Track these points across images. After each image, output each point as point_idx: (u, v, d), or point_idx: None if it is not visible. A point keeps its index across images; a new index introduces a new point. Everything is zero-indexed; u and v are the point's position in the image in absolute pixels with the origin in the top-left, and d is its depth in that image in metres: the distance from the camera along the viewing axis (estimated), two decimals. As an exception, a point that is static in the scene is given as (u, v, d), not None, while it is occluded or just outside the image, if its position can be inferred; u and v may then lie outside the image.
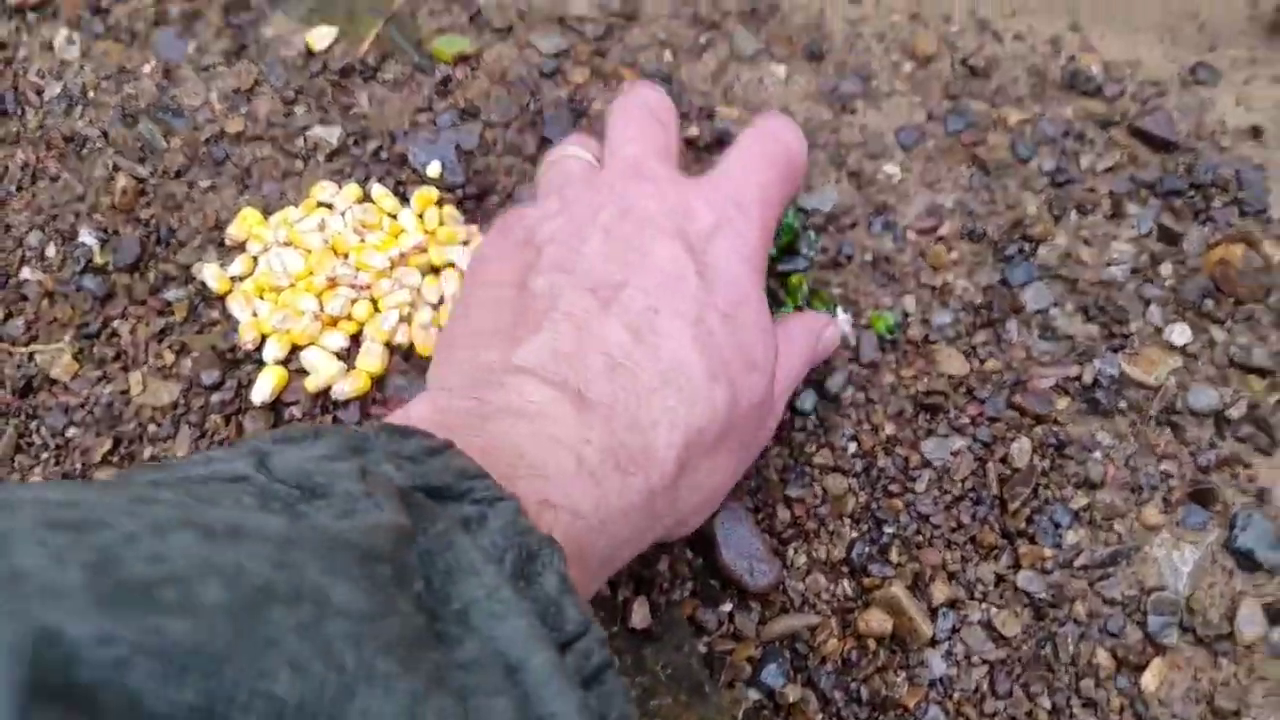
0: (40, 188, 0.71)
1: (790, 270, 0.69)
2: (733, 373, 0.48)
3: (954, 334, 0.69)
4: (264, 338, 0.64)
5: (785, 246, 0.70)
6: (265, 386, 0.61)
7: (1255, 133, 0.75)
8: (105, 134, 0.73)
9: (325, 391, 0.62)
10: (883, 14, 0.82)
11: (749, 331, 0.50)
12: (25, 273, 0.68)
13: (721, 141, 0.75)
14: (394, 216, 0.69)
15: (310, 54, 0.76)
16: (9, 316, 0.66)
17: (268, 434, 0.33)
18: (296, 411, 0.62)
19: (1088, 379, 0.66)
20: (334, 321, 0.64)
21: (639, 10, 0.81)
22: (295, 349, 0.63)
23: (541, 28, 0.79)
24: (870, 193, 0.74)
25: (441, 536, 0.30)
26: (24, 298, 0.67)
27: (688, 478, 0.46)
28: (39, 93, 0.75)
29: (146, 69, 0.76)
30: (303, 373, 0.63)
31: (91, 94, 0.75)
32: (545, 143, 0.74)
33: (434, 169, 0.71)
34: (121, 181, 0.69)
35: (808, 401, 0.64)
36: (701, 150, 0.75)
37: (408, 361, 0.65)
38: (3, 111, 0.75)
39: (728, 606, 0.59)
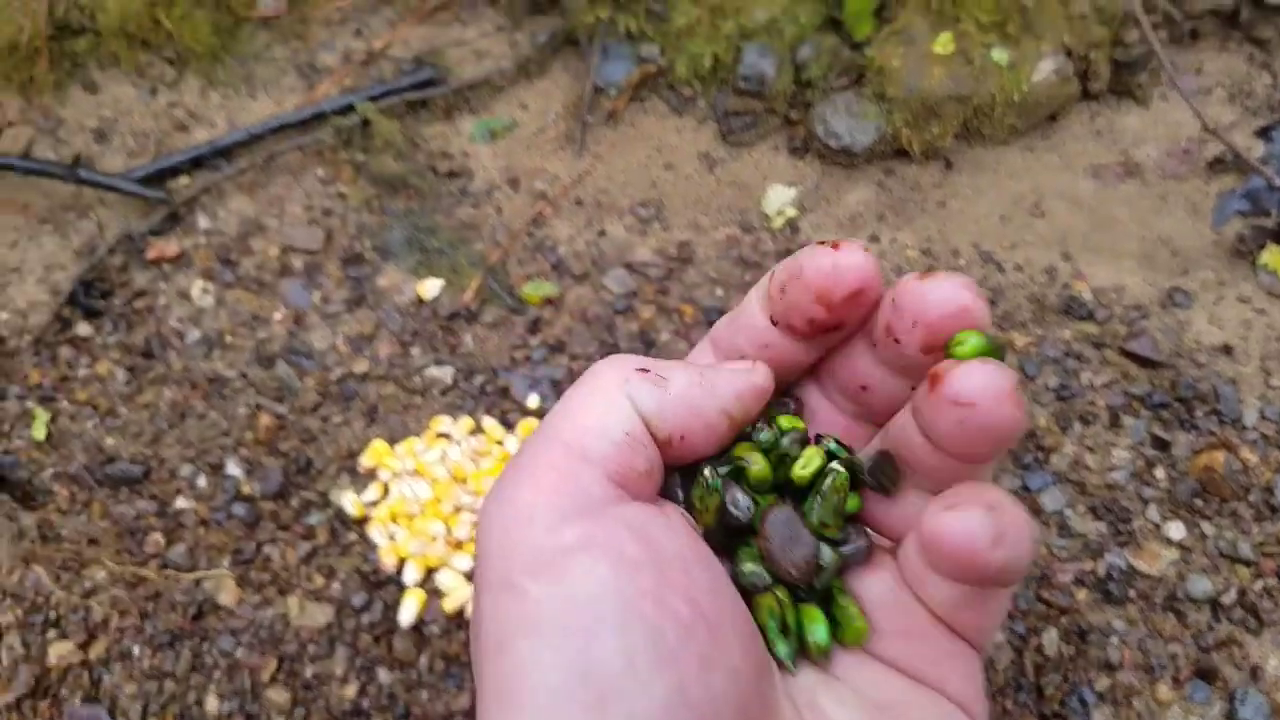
0: (189, 424, 0.85)
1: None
2: None
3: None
4: (402, 561, 0.76)
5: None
6: (410, 610, 0.74)
7: (1227, 350, 0.91)
8: (244, 374, 0.87)
9: (460, 611, 0.74)
10: (898, 250, 0.99)
11: None
12: (181, 502, 0.81)
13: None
14: (501, 444, 0.82)
15: (421, 302, 0.91)
16: (170, 543, 0.79)
17: None
18: (436, 629, 0.74)
19: (1101, 572, 0.79)
20: (459, 544, 0.77)
21: (693, 255, 0.97)
22: (430, 570, 0.76)
23: (612, 272, 0.95)
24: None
25: None
26: (182, 525, 0.80)
27: None
28: (180, 337, 0.90)
29: (277, 315, 0.91)
30: (439, 593, 0.75)
31: (228, 338, 0.90)
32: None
33: (533, 400, 0.85)
34: (263, 419, 0.83)
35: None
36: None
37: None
38: (149, 354, 0.89)
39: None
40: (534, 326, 0.91)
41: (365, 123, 1.00)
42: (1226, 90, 1.10)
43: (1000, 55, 1.04)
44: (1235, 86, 1.10)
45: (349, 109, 1.01)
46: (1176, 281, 0.96)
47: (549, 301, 0.93)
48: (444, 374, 0.87)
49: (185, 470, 0.83)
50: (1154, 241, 0.99)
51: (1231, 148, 0.98)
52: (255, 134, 0.99)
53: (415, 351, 0.89)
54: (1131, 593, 0.79)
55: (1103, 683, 0.75)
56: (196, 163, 0.99)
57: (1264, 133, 1.07)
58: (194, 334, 0.90)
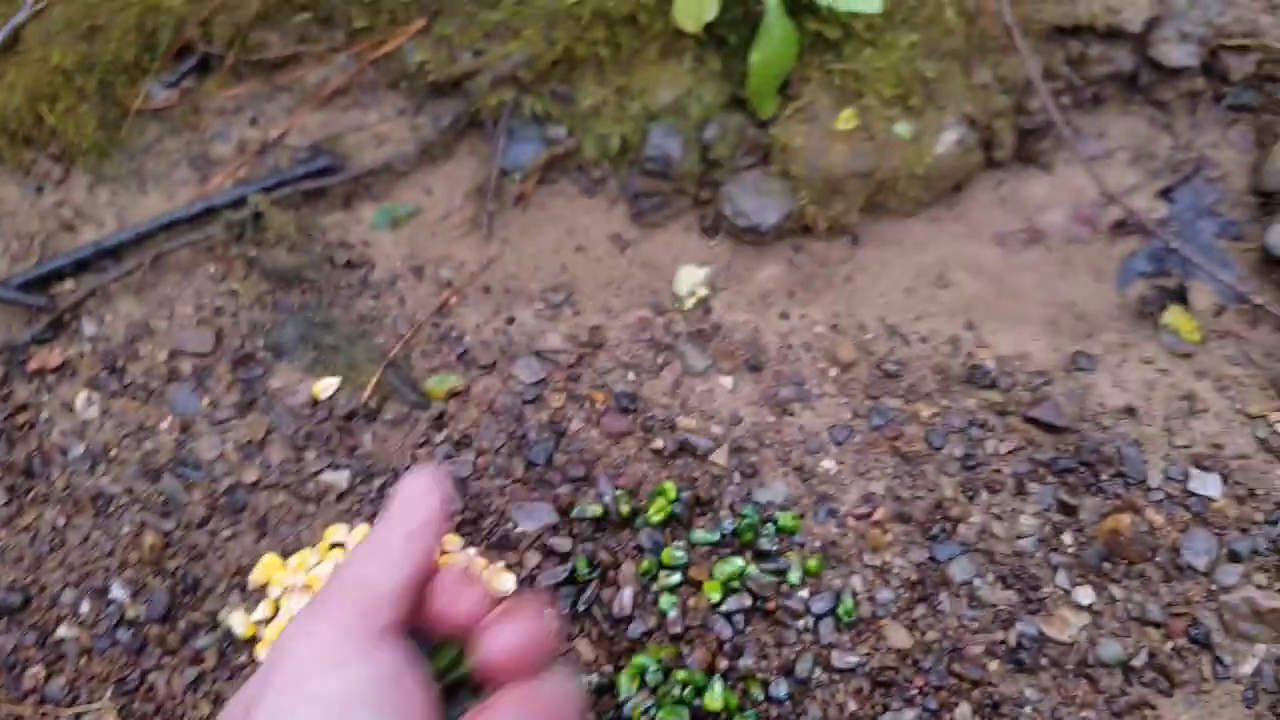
0: (71, 546, 0.90)
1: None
2: None
3: (896, 609, 0.90)
4: (301, 670, 0.81)
5: (746, 542, 0.92)
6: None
7: (1130, 411, 1.01)
8: (129, 490, 0.93)
9: None
10: (807, 326, 1.08)
11: None
12: (62, 630, 0.85)
13: (683, 449, 0.98)
14: (403, 545, 0.88)
15: (315, 402, 0.98)
16: (50, 676, 0.83)
17: None
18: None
19: (1012, 641, 0.87)
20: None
21: (604, 339, 1.05)
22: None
23: (521, 360, 1.03)
24: (813, 484, 0.97)
25: None
26: (63, 655, 0.84)
27: None
28: (64, 452, 0.95)
29: (164, 425, 0.97)
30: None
31: (113, 452, 0.95)
32: (531, 465, 0.96)
33: (435, 499, 0.92)
34: (149, 537, 0.89)
35: (781, 689, 0.84)
36: (668, 458, 0.98)
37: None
38: (30, 473, 0.94)
39: None
40: (438, 421, 0.98)
41: (259, 215, 1.07)
42: (1129, 153, 1.22)
43: (903, 129, 1.16)
44: (1138, 149, 1.23)
45: (242, 202, 1.08)
46: (1080, 345, 1.06)
47: (454, 394, 1.00)
48: (339, 478, 0.93)
49: (67, 596, 0.87)
50: (1058, 306, 1.10)
51: (1130, 211, 1.10)
52: (144, 232, 1.06)
53: (309, 455, 0.95)
54: (1043, 660, 0.87)
55: (1018, 754, 0.83)
56: (82, 265, 1.05)
57: (1166, 193, 1.20)
58: (78, 449, 0.96)
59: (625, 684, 0.84)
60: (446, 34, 1.23)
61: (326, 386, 0.99)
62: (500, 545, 0.92)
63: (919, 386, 1.03)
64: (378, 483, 0.94)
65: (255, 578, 0.86)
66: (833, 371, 1.05)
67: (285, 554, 0.89)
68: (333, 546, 0.89)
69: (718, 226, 1.16)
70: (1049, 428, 0.99)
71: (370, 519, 0.92)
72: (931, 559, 0.92)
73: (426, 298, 1.09)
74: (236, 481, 0.93)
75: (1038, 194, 1.19)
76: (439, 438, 0.97)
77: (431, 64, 1.22)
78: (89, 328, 1.03)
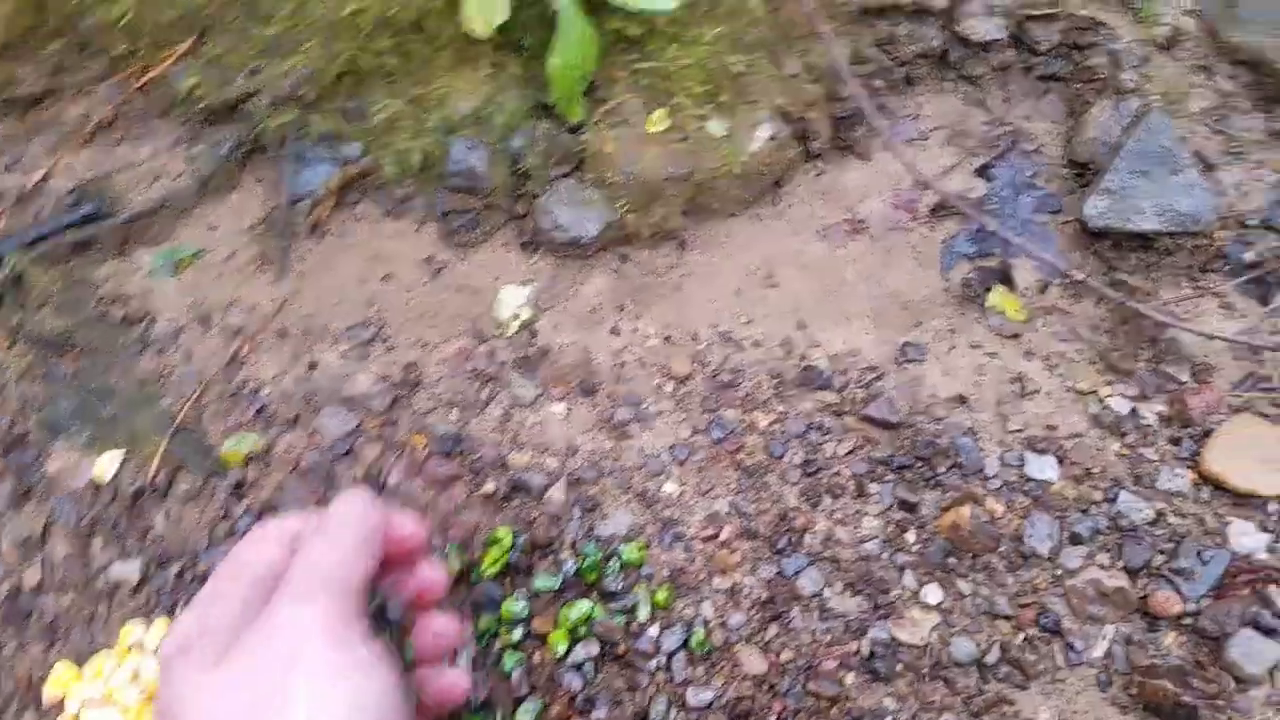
0: None
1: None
2: None
3: (749, 632, 0.88)
4: (103, 797, 0.74)
5: (591, 582, 0.88)
6: None
7: (961, 400, 1.01)
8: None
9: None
10: (640, 340, 1.05)
11: None
12: None
13: (517, 488, 0.93)
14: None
15: (98, 485, 0.89)
16: None
17: None
18: None
19: (865, 651, 0.87)
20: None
21: (421, 376, 1.00)
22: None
23: (328, 410, 0.96)
24: (657, 509, 0.94)
25: None
26: None
27: None
28: None
29: (-72, 526, 0.87)
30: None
31: None
32: (348, 526, 0.89)
33: (245, 576, 0.85)
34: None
35: (631, 737, 0.81)
36: (501, 501, 0.93)
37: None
38: None
39: None
40: (238, 490, 0.91)
41: (18, 277, 0.98)
42: (946, 132, 1.24)
43: (716, 127, 1.13)
44: (953, 127, 1.24)
45: (-1, 262, 0.99)
46: (908, 336, 1.06)
47: (254, 457, 0.93)
48: (131, 570, 0.85)
49: None
50: (884, 297, 1.09)
51: (946, 195, 1.11)
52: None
53: (96, 546, 0.87)
54: (898, 666, 0.86)
55: (882, 769, 0.82)
56: None
57: (983, 170, 1.21)
58: None
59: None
60: (217, 54, 1.14)
61: (108, 464, 0.90)
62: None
63: (755, 394, 1.01)
64: (174, 569, 0.86)
65: (49, 692, 0.79)
66: (669, 386, 1.02)
67: (80, 661, 0.81)
68: (130, 648, 0.81)
69: (537, 242, 1.12)
70: (884, 424, 0.99)
71: (169, 610, 0.84)
72: (779, 574, 0.91)
73: (216, 349, 1.01)
74: (17, 585, 0.85)
75: (857, 183, 1.19)
76: (239, 509, 0.90)
77: (203, 88, 1.13)
78: None
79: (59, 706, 0.79)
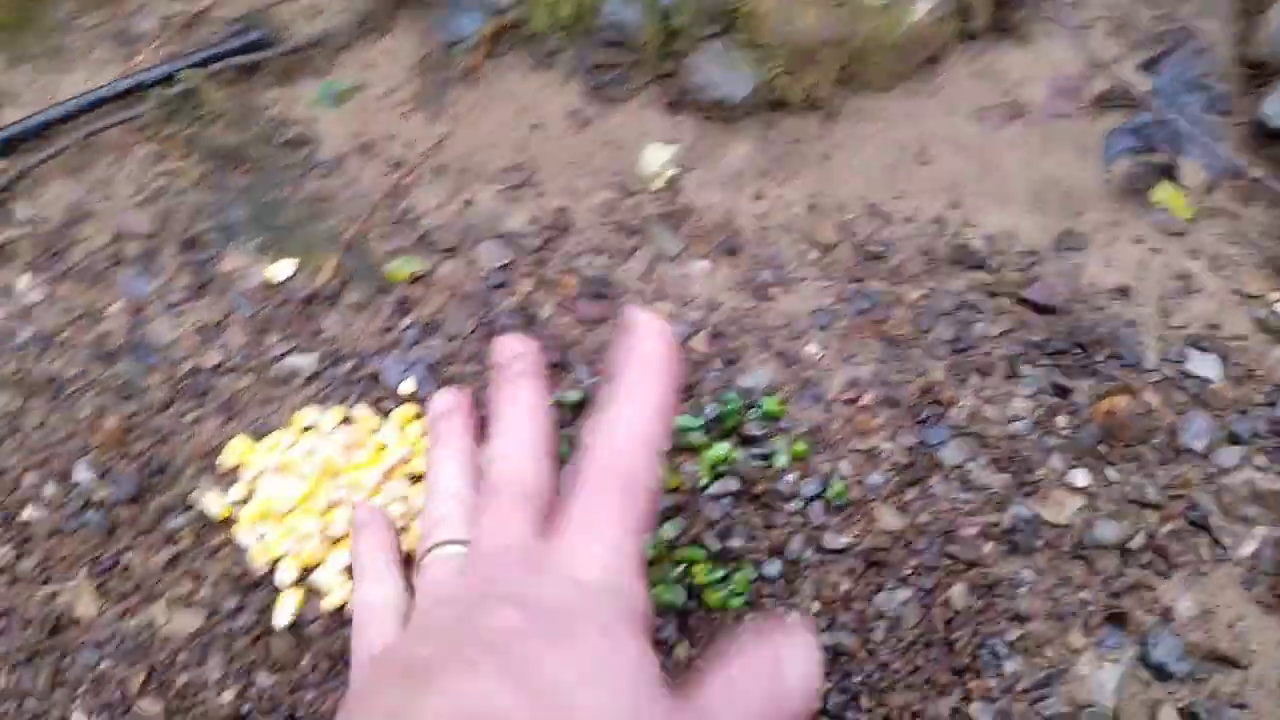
0: (29, 430, 0.87)
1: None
2: None
3: (887, 492, 0.90)
4: (275, 561, 0.80)
5: (730, 428, 0.91)
6: (286, 611, 0.78)
7: (1123, 292, 1.01)
8: (84, 373, 0.89)
9: (341, 608, 0.79)
10: (784, 207, 1.06)
11: None
12: (28, 512, 0.83)
13: (661, 335, 0.96)
14: (376, 433, 0.87)
15: (271, 285, 0.95)
16: (20, 557, 0.81)
17: None
18: (316, 629, 0.78)
19: (1006, 524, 0.88)
20: (336, 541, 0.81)
21: (571, 222, 1.02)
22: (306, 570, 0.80)
23: (484, 244, 0.99)
24: (796, 370, 0.96)
25: None
26: (30, 538, 0.82)
27: None
28: (9, 336, 0.91)
29: (114, 308, 0.93)
30: (316, 592, 0.79)
31: (63, 335, 0.91)
32: (503, 351, 0.93)
33: (407, 386, 0.90)
34: (110, 421, 0.86)
35: (773, 568, 0.84)
36: (644, 344, 0.96)
37: (409, 570, 0.82)
38: (-25, 358, 0.90)
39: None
40: (403, 307, 0.95)
41: (192, 92, 1.02)
42: (1110, 23, 1.21)
43: (876, -5, 1.13)
44: (1118, 20, 1.21)
45: (172, 78, 1.02)
46: (1069, 224, 1.05)
47: (417, 279, 0.97)
48: (306, 362, 0.91)
49: (29, 479, 0.85)
50: (1043, 184, 1.09)
51: (1118, 81, 1.09)
52: (71, 111, 1.00)
53: (271, 339, 0.92)
54: (1039, 542, 0.88)
55: (1013, 633, 0.84)
56: (9, 145, 0.99)
57: (1149, 65, 1.18)
58: (25, 333, 0.92)
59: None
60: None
61: (282, 269, 0.95)
62: (480, 429, 0.90)
63: (904, 268, 1.02)
64: (345, 367, 0.91)
65: (225, 460, 0.84)
66: (813, 253, 1.03)
67: (255, 437, 0.86)
68: (305, 429, 0.86)
69: (683, 101, 1.13)
70: (1040, 309, 0.99)
71: (341, 402, 0.89)
72: (921, 443, 0.92)
73: (378, 178, 1.04)
74: (197, 365, 0.90)
75: (1015, 67, 1.17)
76: (404, 323, 0.94)
77: (368, -73, 1.15)
78: (22, 210, 0.98)
79: (234, 473, 0.84)
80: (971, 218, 1.06)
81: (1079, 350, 0.97)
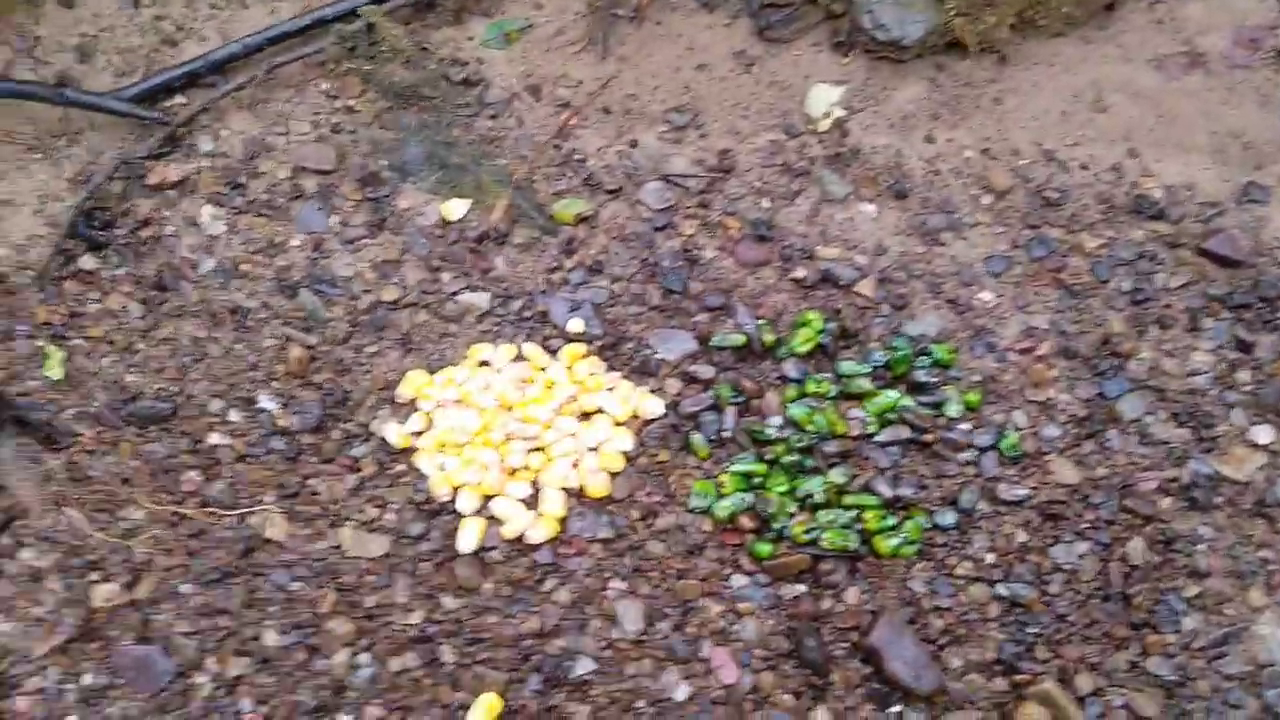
0: (214, 358, 0.91)
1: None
2: None
3: (1063, 445, 0.89)
4: (455, 490, 0.83)
5: (902, 375, 0.91)
6: (470, 536, 0.81)
7: (1308, 246, 0.98)
8: (267, 304, 0.93)
9: (520, 537, 0.81)
10: (955, 151, 1.04)
11: None
12: (214, 438, 0.88)
13: (826, 279, 0.96)
14: (545, 371, 0.89)
15: (446, 223, 0.97)
16: (208, 480, 0.86)
17: None
18: (497, 555, 0.81)
19: (1185, 479, 0.87)
20: (514, 472, 0.84)
21: (734, 163, 1.02)
22: (485, 498, 0.83)
23: (648, 186, 1.00)
24: (968, 318, 0.95)
25: None
26: (218, 461, 0.87)
27: None
28: (194, 267, 0.95)
29: (295, 242, 0.96)
30: (497, 520, 0.82)
31: (245, 267, 0.95)
32: (667, 293, 0.95)
33: (575, 324, 0.91)
34: (293, 351, 0.90)
35: (948, 517, 0.84)
36: (809, 288, 0.96)
37: (581, 503, 0.84)
38: (162, 286, 0.94)
39: (897, 708, 0.77)
40: (569, 247, 0.97)
41: (371, 27, 1.04)
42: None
43: (1055, -63, 1.09)
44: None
45: (352, 14, 1.04)
46: (1251, 176, 1.02)
47: (583, 219, 0.98)
48: (479, 300, 0.93)
49: (215, 405, 0.89)
50: (1224, 135, 1.05)
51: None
52: (252, 46, 1.03)
53: (445, 277, 0.95)
54: (1218, 499, 0.86)
55: (1192, 590, 0.82)
56: (192, 79, 1.03)
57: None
58: (208, 263, 0.96)
59: (780, 505, 0.84)
60: None
61: (457, 208, 0.97)
62: (641, 371, 0.91)
63: (1081, 216, 1.00)
64: (515, 305, 0.93)
65: (404, 392, 0.87)
66: (986, 199, 1.02)
67: (431, 370, 0.90)
68: (480, 364, 0.88)
69: (852, 42, 1.11)
70: (1223, 261, 0.96)
71: (512, 339, 0.92)
72: (1100, 395, 0.91)
73: (545, 118, 1.06)
74: (376, 300, 0.94)
75: (1197, 15, 1.13)
76: (570, 263, 0.96)
77: None
78: (205, 143, 1.02)
79: (412, 405, 0.87)
80: (1150, 167, 1.03)
81: (1263, 305, 0.94)
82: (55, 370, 0.89)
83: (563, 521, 0.83)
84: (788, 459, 0.86)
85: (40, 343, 0.91)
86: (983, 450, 0.88)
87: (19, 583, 0.82)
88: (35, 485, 0.84)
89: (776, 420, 0.89)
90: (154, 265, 0.95)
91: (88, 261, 0.95)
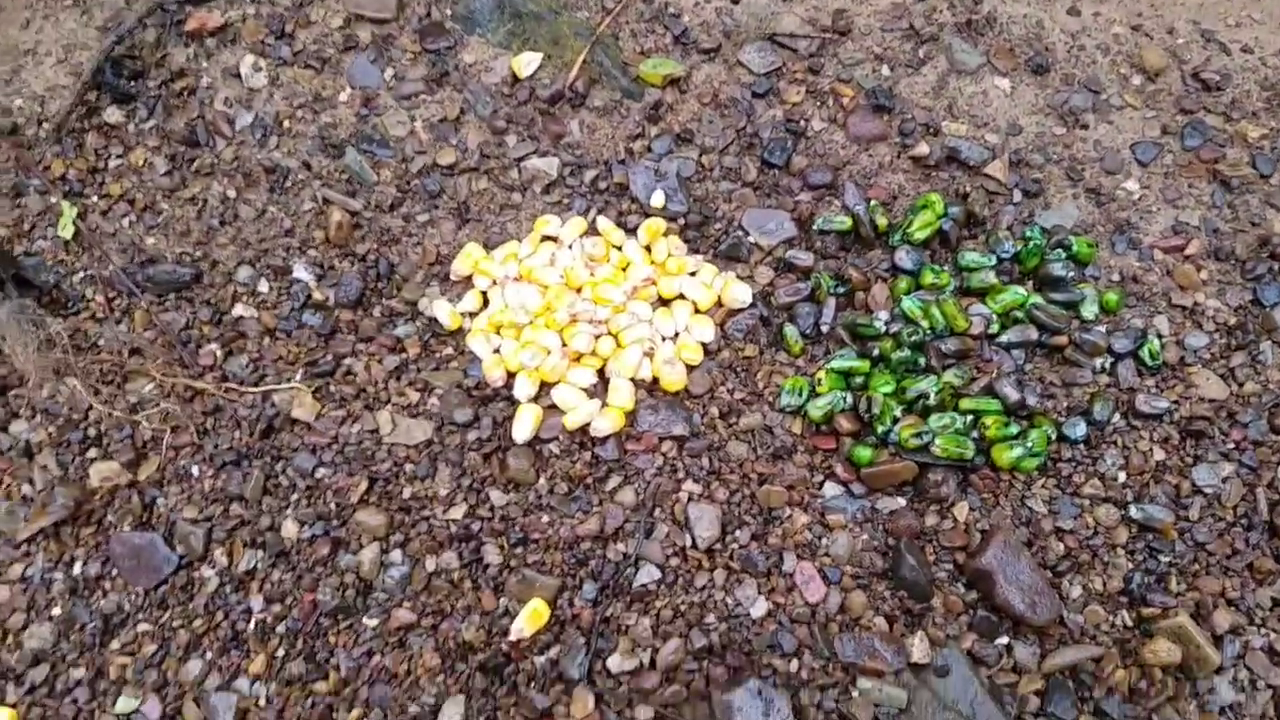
0: (245, 221, 0.84)
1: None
2: None
3: (1209, 356, 0.79)
4: (511, 375, 0.75)
5: (1033, 269, 0.81)
6: (526, 425, 0.74)
7: None
8: (307, 164, 0.86)
9: (583, 427, 0.73)
10: (1103, 26, 0.93)
11: None
12: (240, 309, 0.81)
13: (951, 159, 0.86)
14: (620, 249, 0.80)
15: (515, 80, 0.88)
16: (230, 354, 0.79)
17: None
18: (555, 449, 0.74)
19: (1352, 401, 0.76)
20: (578, 357, 0.76)
21: (851, 24, 0.92)
22: (544, 385, 0.75)
23: (751, 46, 0.90)
24: (1110, 210, 0.85)
25: None
26: (242, 335, 0.80)
27: None
28: (230, 122, 0.88)
29: (343, 97, 0.89)
30: (555, 409, 0.74)
31: (286, 123, 0.88)
32: (766, 168, 0.85)
33: (657, 199, 0.83)
34: (334, 216, 0.82)
35: (1078, 429, 0.74)
36: (931, 168, 0.86)
37: (653, 396, 0.76)
38: (193, 142, 0.88)
39: (1004, 639, 0.69)
40: (654, 112, 0.88)
41: None
42: None
43: None
44: None
45: None
46: None
47: (672, 82, 0.89)
48: (549, 166, 0.85)
49: (243, 274, 0.83)
50: None
51: None
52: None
53: (511, 140, 0.87)
54: (1390, 426, 0.76)
55: (1353, 524, 0.73)
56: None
57: None
58: (245, 118, 0.89)
59: (885, 406, 0.74)
60: None
61: (528, 63, 0.89)
62: (729, 255, 0.83)
63: (1243, 103, 0.89)
64: (589, 175, 0.86)
65: (458, 268, 0.82)
66: (1136, 80, 0.90)
67: (489, 245, 0.84)
68: (544, 239, 0.81)
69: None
70: None
71: (583, 212, 0.85)
72: (1254, 301, 0.81)
73: (633, -32, 0.96)
74: (430, 163, 0.87)
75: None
76: (655, 131, 0.88)
77: None
78: (249, -14, 0.94)
79: (466, 282, 0.80)
80: (1328, 49, 0.91)
81: None
82: (67, 229, 0.83)
83: (631, 415, 0.75)
84: (896, 355, 0.77)
85: (54, 199, 0.87)
86: (1120, 357, 0.79)
87: (8, 457, 0.78)
88: (34, 352, 0.80)
89: (884, 314, 0.80)
90: (185, 119, 0.90)
91: (113, 114, 0.91)
